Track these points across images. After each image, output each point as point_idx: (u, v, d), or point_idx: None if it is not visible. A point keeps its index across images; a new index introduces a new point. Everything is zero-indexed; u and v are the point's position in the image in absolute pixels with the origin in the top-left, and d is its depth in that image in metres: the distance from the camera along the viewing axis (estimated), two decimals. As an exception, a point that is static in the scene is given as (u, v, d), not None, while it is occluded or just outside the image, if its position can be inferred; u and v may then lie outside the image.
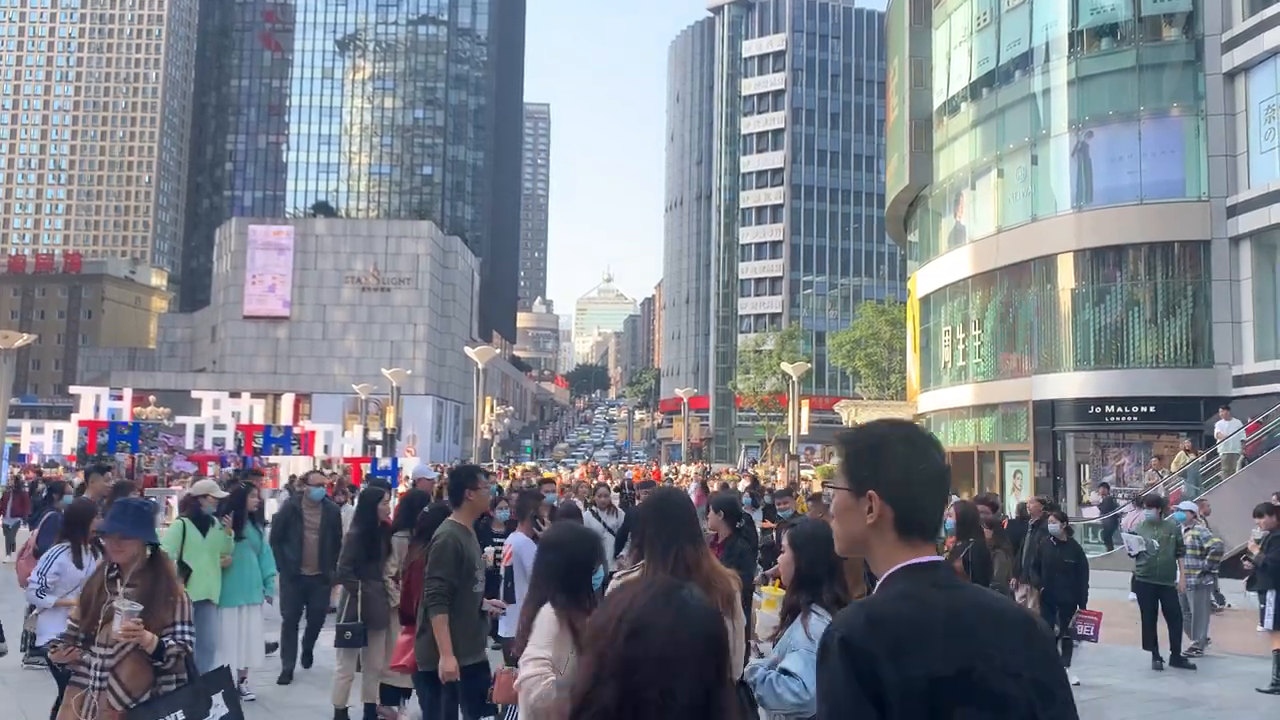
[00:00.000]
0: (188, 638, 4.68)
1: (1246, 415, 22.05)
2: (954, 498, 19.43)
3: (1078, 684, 10.04)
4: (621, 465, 62.04)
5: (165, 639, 4.54)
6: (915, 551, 2.00)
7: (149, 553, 4.72)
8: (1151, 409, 26.19)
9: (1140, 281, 26.94)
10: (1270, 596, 10.00)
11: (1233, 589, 14.92)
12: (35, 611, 6.93)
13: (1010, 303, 30.40)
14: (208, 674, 5.23)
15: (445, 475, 11.83)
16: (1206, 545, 11.55)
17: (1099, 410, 26.95)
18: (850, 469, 2.10)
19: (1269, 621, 10.04)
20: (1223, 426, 21.46)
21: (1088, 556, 11.74)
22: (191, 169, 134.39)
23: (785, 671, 3.64)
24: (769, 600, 4.38)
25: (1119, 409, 26.69)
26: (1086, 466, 27.67)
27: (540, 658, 3.72)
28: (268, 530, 9.61)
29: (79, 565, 6.64)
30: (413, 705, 8.34)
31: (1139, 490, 20.14)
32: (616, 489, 19.62)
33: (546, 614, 3.89)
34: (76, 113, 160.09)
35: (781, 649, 3.75)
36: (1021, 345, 29.85)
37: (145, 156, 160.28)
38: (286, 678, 9.24)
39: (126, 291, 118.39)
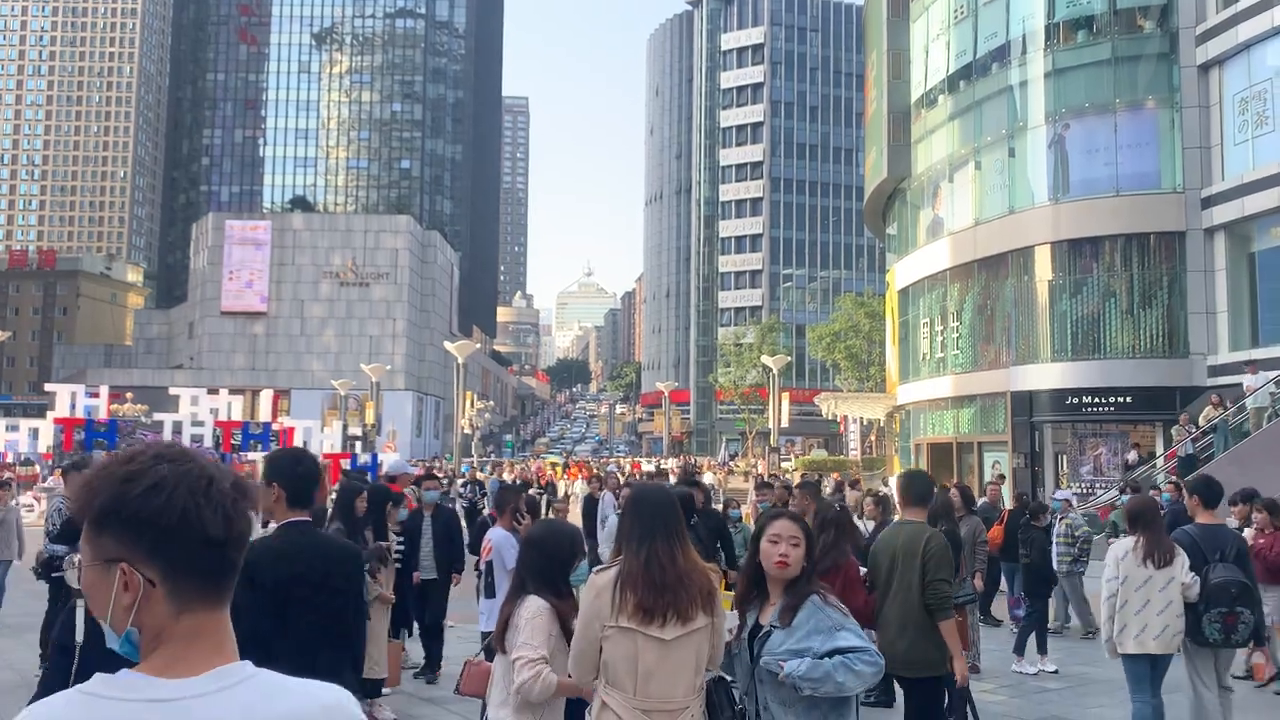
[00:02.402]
0: None
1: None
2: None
3: (1056, 672, 10.14)
4: (602, 459, 62.11)
5: None
6: (296, 515, 3.83)
7: None
8: (1128, 399, 26.42)
9: (1116, 273, 27.15)
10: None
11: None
12: None
13: (988, 294, 30.57)
14: None
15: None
16: (1077, 534, 12.13)
17: (1076, 401, 27.15)
18: (268, 472, 3.91)
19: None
20: (1250, 381, 21.30)
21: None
22: (167, 164, 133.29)
23: (849, 649, 3.49)
24: (724, 600, 4.38)
25: (1096, 399, 26.90)
26: (1064, 457, 27.89)
27: (535, 659, 3.75)
28: None
29: None
30: (392, 700, 8.34)
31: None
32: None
33: (536, 609, 3.88)
34: (50, 107, 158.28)
35: (809, 633, 3.59)
36: (999, 337, 30.03)
37: (120, 151, 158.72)
38: None
39: (102, 288, 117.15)
